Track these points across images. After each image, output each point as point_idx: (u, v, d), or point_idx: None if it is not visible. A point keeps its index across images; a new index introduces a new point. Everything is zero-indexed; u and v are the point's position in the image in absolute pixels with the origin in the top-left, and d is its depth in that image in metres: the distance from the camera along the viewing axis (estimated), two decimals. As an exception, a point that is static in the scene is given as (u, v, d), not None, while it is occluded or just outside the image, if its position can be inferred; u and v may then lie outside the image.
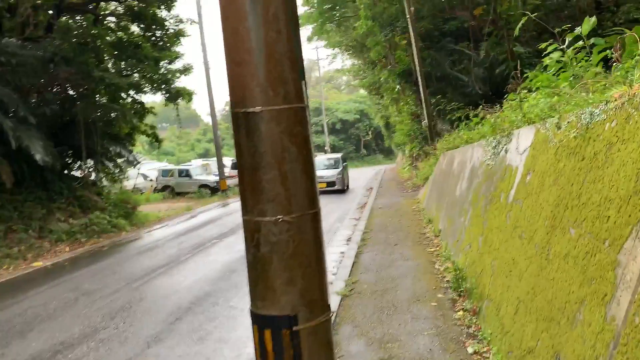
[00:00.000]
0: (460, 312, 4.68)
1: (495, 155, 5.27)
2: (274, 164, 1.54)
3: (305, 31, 22.78)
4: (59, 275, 8.60)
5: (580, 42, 3.99)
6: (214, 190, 24.01)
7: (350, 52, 25.75)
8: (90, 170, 15.43)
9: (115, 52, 14.27)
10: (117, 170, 16.36)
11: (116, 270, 8.75)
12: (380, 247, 8.18)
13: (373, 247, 8.23)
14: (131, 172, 27.43)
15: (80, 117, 12.50)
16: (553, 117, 3.62)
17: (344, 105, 57.52)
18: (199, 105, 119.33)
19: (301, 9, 24.48)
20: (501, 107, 6.69)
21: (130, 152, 16.01)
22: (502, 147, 5.03)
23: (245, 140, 1.57)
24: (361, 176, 31.34)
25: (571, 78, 4.04)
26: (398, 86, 17.21)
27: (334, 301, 5.45)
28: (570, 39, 4.10)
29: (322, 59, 40.15)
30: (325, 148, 51.87)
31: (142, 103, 17.68)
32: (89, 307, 6.38)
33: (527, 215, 3.70)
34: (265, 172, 1.54)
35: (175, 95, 17.52)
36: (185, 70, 17.61)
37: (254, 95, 1.54)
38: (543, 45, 4.67)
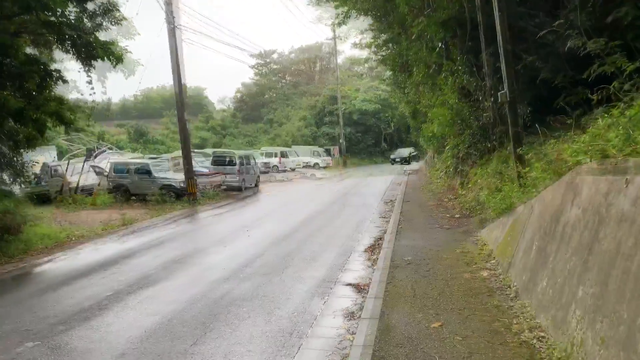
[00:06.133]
0: None
1: None
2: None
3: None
4: None
5: None
6: (180, 193, 17.77)
7: (370, 13, 18.94)
8: None
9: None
10: None
11: None
12: None
13: None
14: (78, 165, 21.44)
15: None
16: None
17: (363, 94, 50.29)
18: (211, 92, 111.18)
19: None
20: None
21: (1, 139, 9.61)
22: None
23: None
24: (379, 180, 24.59)
25: None
26: (440, 44, 10.52)
27: None
28: None
29: (337, 37, 33.52)
30: (340, 141, 45.00)
31: (41, 63, 11.41)
32: None
33: None
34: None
35: (89, 52, 11.17)
36: (107, 11, 11.19)
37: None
38: None
